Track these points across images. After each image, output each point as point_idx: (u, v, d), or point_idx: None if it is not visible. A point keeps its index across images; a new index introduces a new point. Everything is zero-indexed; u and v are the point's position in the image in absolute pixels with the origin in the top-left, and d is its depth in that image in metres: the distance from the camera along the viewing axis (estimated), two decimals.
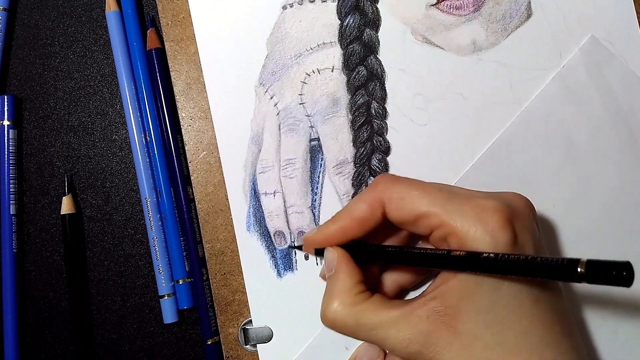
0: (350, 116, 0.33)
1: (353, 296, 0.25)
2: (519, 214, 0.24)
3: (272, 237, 0.33)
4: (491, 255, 0.22)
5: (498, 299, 0.23)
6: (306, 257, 0.33)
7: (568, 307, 0.26)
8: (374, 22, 0.34)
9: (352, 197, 0.33)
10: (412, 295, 0.32)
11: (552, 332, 0.23)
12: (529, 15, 0.34)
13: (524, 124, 0.33)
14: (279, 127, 0.33)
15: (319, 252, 0.31)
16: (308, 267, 0.33)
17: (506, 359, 0.22)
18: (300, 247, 0.33)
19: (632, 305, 0.32)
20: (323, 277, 0.31)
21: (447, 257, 0.23)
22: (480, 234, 0.23)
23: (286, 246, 0.33)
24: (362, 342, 0.32)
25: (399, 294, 0.31)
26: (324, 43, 0.34)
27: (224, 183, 0.33)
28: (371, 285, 0.27)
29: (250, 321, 0.33)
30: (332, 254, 0.27)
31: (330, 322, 0.26)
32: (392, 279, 0.30)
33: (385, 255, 0.27)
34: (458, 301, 0.23)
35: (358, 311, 0.25)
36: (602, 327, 0.32)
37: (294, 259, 0.33)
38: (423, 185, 0.26)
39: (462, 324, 0.23)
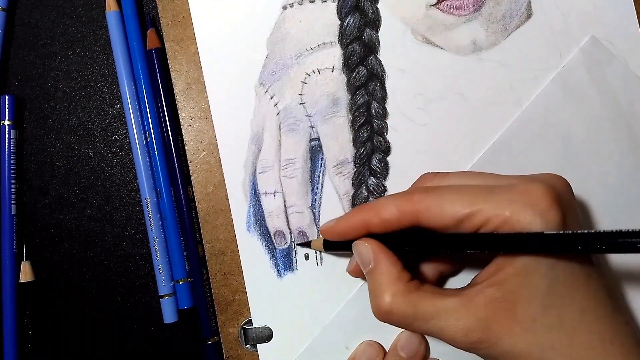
0: (350, 116, 0.33)
1: (404, 285, 0.25)
2: (563, 194, 0.24)
3: (272, 237, 0.33)
4: (565, 232, 0.21)
5: (555, 281, 0.23)
6: (306, 257, 0.33)
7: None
8: (374, 22, 0.34)
9: (352, 197, 0.33)
10: (451, 283, 0.32)
11: (606, 308, 0.23)
12: (529, 15, 0.34)
13: (524, 124, 0.33)
14: (279, 127, 0.33)
15: (330, 246, 0.30)
16: (308, 267, 0.33)
17: (566, 338, 0.23)
18: (306, 244, 0.33)
19: None
20: (353, 272, 0.30)
21: (511, 238, 0.23)
22: (532, 217, 0.23)
23: (286, 246, 0.33)
24: (362, 341, 0.32)
25: (438, 284, 0.30)
26: (324, 43, 0.34)
27: (224, 183, 0.33)
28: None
29: (250, 321, 0.33)
30: (364, 248, 0.26)
31: (386, 314, 0.25)
32: (431, 268, 0.29)
33: (439, 242, 0.25)
34: (516, 287, 0.23)
35: (414, 299, 0.24)
36: None
37: (294, 259, 0.33)
38: (459, 187, 0.25)
39: (521, 308, 0.23)
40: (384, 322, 0.25)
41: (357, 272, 0.30)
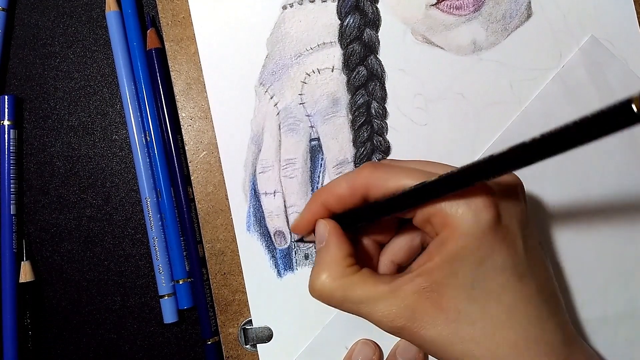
0: (350, 116, 0.33)
1: (342, 268, 0.26)
2: (505, 193, 0.24)
3: (272, 237, 0.33)
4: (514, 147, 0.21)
5: (482, 274, 0.23)
6: (306, 257, 0.33)
7: (557, 287, 0.26)
8: (374, 22, 0.34)
9: None
10: None
11: (537, 310, 0.24)
12: (529, 15, 0.34)
13: (524, 124, 0.33)
14: (279, 127, 0.33)
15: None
16: (308, 267, 0.33)
17: (490, 333, 0.23)
18: (301, 240, 0.33)
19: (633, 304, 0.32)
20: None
21: (437, 183, 0.22)
22: (464, 212, 0.23)
23: (286, 246, 0.33)
24: (358, 339, 0.32)
25: (397, 272, 0.30)
26: (324, 43, 0.34)
27: (224, 183, 0.33)
28: (367, 263, 0.27)
29: (250, 321, 0.33)
30: (322, 226, 0.27)
31: (317, 293, 0.26)
32: (388, 256, 0.30)
33: (371, 210, 0.26)
34: (443, 277, 0.23)
35: (346, 284, 0.25)
36: (602, 328, 0.32)
37: (294, 259, 0.33)
38: (406, 168, 0.26)
39: (446, 299, 0.23)
40: (317, 299, 0.26)
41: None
